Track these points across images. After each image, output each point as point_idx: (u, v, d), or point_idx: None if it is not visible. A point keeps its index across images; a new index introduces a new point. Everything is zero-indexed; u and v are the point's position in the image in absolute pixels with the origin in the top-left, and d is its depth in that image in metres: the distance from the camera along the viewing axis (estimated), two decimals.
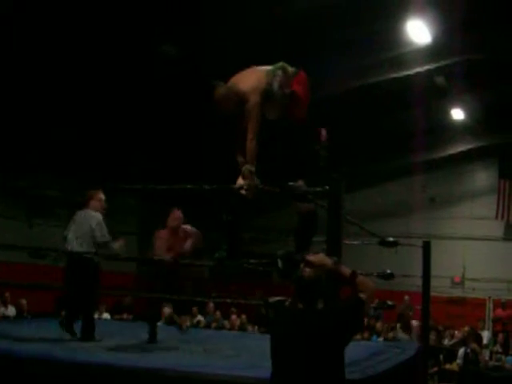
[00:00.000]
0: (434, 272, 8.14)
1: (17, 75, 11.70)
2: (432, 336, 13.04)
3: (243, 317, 15.30)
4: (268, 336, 4.06)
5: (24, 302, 13.09)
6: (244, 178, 5.22)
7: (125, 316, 14.94)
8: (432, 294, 8.20)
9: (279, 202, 15.80)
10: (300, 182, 5.16)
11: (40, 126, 13.23)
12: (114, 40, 11.21)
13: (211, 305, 15.46)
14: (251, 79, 5.32)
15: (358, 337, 10.22)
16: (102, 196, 7.29)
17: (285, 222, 5.30)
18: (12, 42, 10.77)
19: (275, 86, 5.28)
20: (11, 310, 12.99)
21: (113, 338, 7.13)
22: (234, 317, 15.29)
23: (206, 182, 5.46)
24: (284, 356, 3.88)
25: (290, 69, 5.45)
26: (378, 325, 15.00)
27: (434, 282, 8.20)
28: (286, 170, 5.39)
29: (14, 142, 13.41)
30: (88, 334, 6.77)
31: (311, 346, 3.82)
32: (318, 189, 5.22)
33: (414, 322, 13.49)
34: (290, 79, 5.37)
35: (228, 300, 5.00)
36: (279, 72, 5.36)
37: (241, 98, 5.23)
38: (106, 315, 14.32)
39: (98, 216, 7.06)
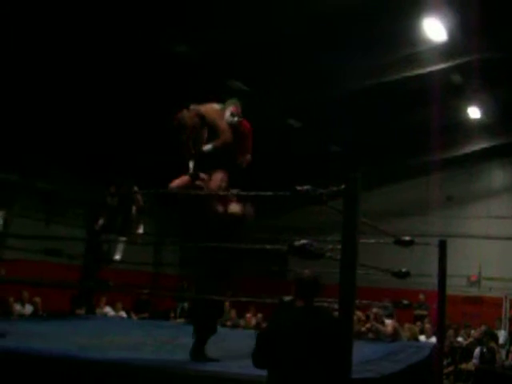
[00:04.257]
0: (450, 271, 8.09)
1: (30, 75, 11.74)
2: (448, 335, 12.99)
3: (259, 315, 15.22)
4: None
5: (38, 299, 13.13)
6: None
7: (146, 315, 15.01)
8: (448, 292, 8.14)
9: (291, 204, 15.83)
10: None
11: (59, 126, 13.31)
12: (119, 39, 11.18)
13: (226, 303, 15.43)
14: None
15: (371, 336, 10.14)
16: None
17: (297, 222, 5.33)
18: (18, 41, 10.80)
19: (227, 114, 6.16)
20: (28, 309, 13.03)
21: (126, 336, 7.17)
22: (249, 315, 15.27)
23: None
24: (285, 352, 3.89)
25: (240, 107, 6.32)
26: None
27: (450, 281, 8.15)
28: None
29: (33, 143, 13.51)
30: None
31: (313, 343, 3.87)
32: (334, 188, 5.21)
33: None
34: (240, 112, 6.26)
35: (243, 299, 5.05)
36: (231, 106, 6.26)
37: (213, 129, 6.07)
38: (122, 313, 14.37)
39: None
